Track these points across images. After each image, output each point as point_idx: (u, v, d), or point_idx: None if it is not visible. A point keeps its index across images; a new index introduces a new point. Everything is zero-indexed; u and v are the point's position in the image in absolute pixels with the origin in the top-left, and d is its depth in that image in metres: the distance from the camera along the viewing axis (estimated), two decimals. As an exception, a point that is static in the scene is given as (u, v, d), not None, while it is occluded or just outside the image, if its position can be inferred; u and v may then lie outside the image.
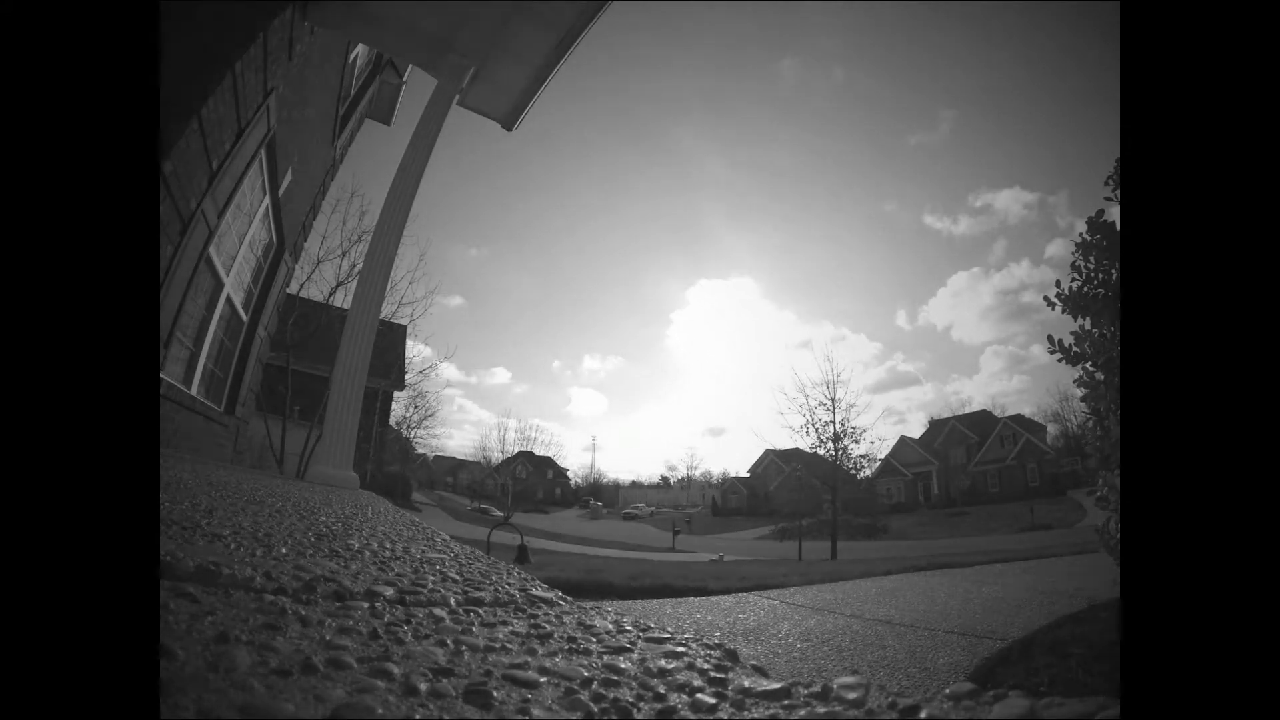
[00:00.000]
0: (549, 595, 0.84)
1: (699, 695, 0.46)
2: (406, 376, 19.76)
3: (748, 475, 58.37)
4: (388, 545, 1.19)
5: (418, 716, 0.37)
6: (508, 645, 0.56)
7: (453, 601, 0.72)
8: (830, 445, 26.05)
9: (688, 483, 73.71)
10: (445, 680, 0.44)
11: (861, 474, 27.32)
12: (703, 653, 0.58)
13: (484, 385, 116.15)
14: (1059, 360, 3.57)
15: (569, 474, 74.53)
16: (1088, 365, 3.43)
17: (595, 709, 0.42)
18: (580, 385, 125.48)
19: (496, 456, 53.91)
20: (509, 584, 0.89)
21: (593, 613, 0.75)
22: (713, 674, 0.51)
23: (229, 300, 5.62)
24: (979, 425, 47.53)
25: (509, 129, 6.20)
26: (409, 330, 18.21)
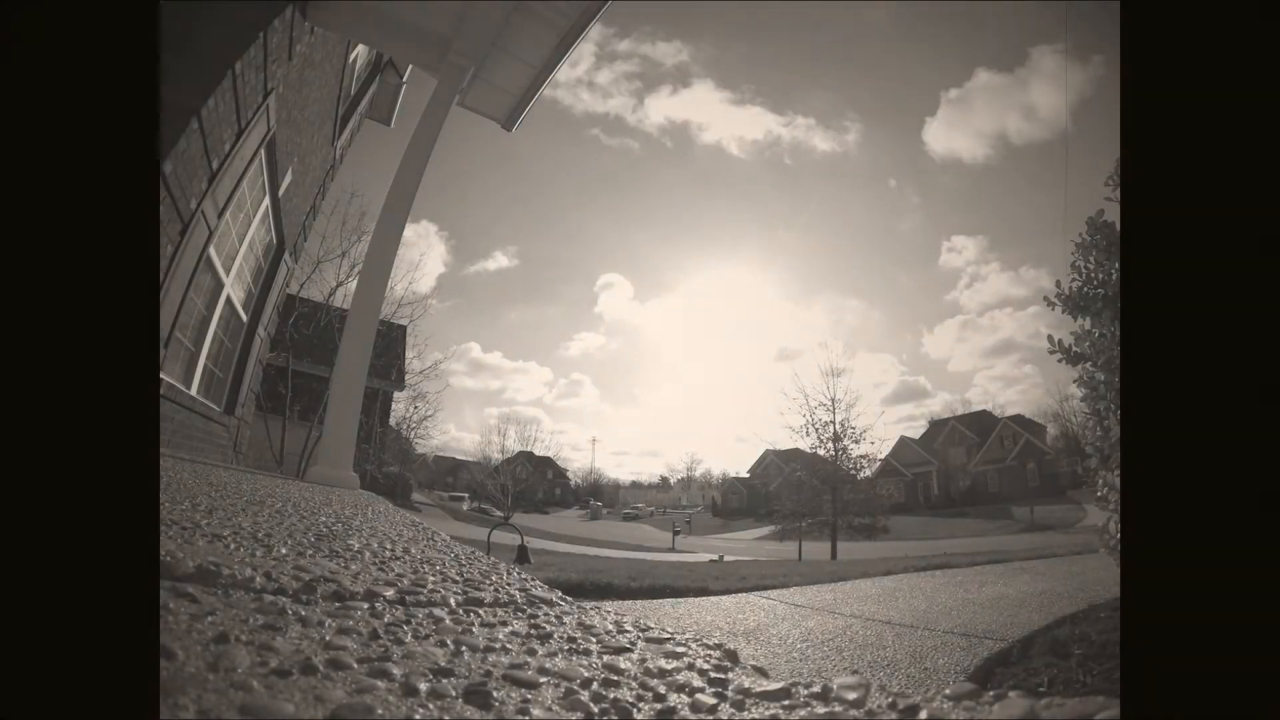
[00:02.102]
0: (549, 595, 0.84)
1: (699, 695, 0.46)
2: (405, 376, 19.76)
3: (748, 475, 58.38)
4: (388, 545, 1.19)
5: (418, 716, 0.37)
6: (508, 645, 0.56)
7: (453, 602, 0.72)
8: (830, 445, 26.07)
9: (688, 483, 73.73)
10: (445, 680, 0.44)
11: (861, 474, 27.33)
12: (703, 653, 0.58)
13: (573, 408, 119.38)
14: (1059, 360, 3.57)
15: (569, 474, 74.51)
16: (1088, 365, 3.43)
17: (595, 709, 0.42)
18: (654, 404, 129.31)
19: (496, 457, 53.99)
20: (509, 584, 0.89)
21: (593, 613, 0.75)
22: (713, 674, 0.51)
23: (229, 300, 5.62)
24: (979, 425, 47.55)
25: (509, 129, 6.21)
26: (409, 330, 18.26)
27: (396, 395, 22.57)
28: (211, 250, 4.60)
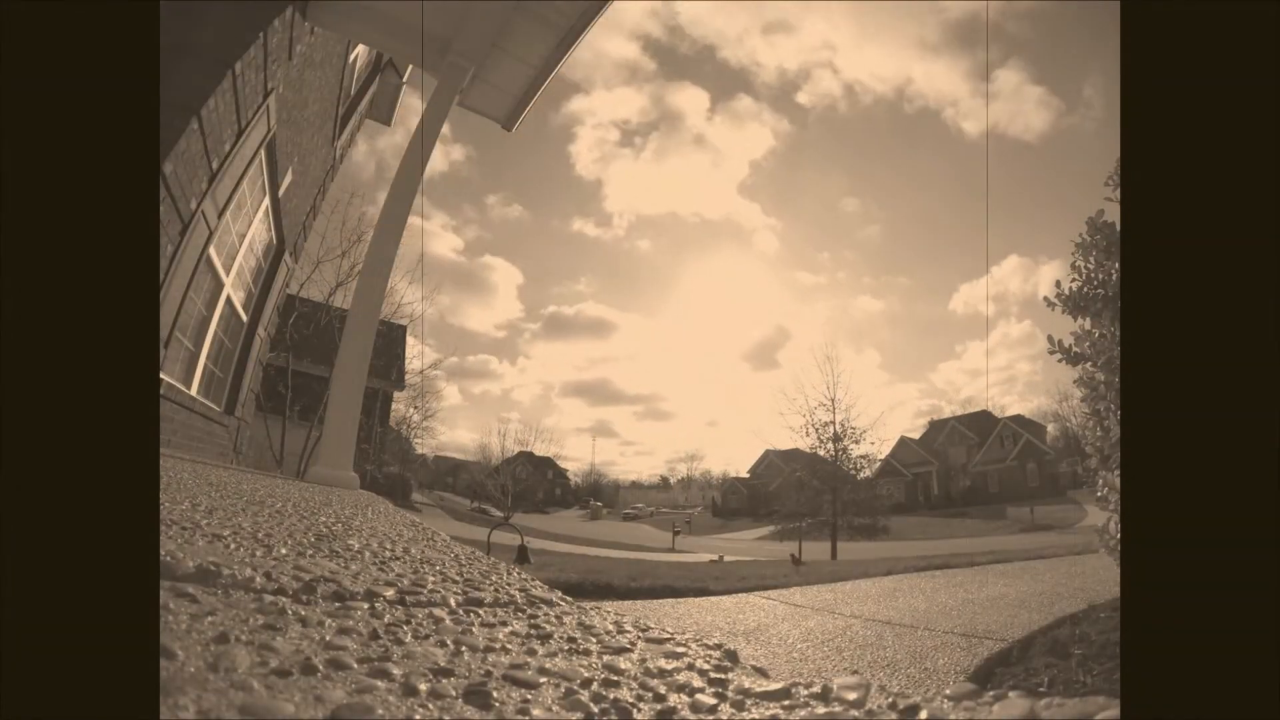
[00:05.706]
0: (549, 596, 0.84)
1: (699, 695, 0.46)
2: (405, 376, 19.75)
3: (748, 476, 58.36)
4: (388, 545, 1.19)
5: (418, 716, 0.37)
6: (508, 646, 0.56)
7: (453, 602, 0.72)
8: (830, 446, 26.09)
9: (688, 483, 73.68)
10: (445, 680, 0.44)
11: (861, 474, 27.33)
12: (703, 653, 0.58)
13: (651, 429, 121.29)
14: (1059, 360, 3.57)
15: (569, 474, 74.46)
16: (1088, 365, 3.43)
17: (595, 709, 0.42)
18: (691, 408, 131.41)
19: (496, 457, 54.03)
20: (509, 584, 0.89)
21: (593, 613, 0.75)
22: (713, 674, 0.51)
23: (229, 300, 5.62)
24: (979, 425, 47.49)
25: (509, 129, 6.21)
26: (409, 330, 18.27)
27: (396, 395, 22.57)
28: (211, 250, 4.60)
